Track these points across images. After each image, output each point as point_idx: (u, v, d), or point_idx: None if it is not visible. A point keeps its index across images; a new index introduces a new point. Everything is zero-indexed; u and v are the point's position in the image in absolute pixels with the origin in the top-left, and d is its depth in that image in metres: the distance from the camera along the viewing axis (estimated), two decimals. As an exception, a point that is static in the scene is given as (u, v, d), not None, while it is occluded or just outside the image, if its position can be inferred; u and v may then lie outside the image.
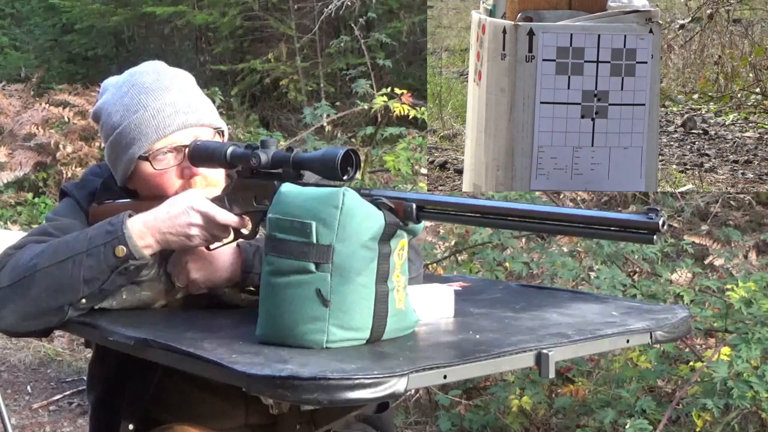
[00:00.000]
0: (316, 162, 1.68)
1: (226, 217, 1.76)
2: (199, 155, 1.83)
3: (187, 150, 1.85)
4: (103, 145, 1.99)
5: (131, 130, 1.89)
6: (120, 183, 1.96)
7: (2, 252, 1.85)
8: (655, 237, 1.41)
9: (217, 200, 1.80)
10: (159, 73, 1.95)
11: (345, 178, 1.64)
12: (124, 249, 1.72)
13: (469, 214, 1.59)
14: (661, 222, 1.40)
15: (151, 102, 1.89)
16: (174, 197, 1.80)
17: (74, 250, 1.74)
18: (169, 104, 1.89)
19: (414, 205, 1.58)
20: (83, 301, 1.74)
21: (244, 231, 1.79)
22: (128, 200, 1.94)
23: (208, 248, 1.81)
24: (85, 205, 1.95)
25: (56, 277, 1.73)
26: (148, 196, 1.92)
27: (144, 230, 1.74)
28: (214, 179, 1.91)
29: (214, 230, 1.77)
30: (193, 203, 1.76)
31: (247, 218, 1.79)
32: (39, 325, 1.78)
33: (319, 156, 1.67)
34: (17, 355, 4.99)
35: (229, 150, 1.78)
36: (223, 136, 1.98)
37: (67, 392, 4.48)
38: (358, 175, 1.69)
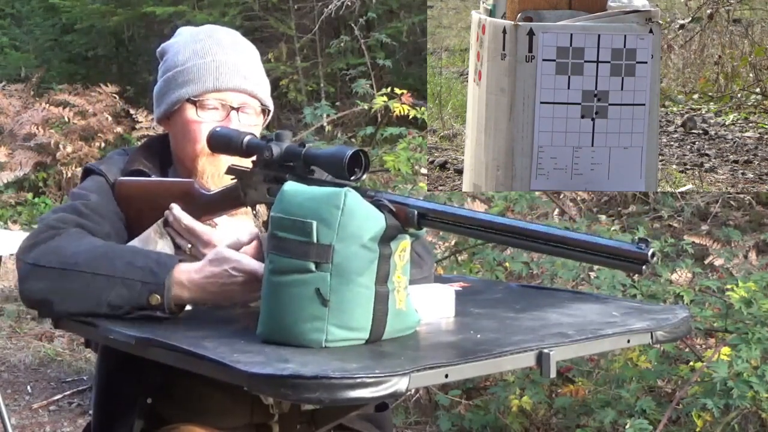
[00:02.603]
0: (325, 159, 1.69)
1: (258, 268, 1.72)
2: (218, 142, 1.86)
3: (233, 113, 1.91)
4: (157, 79, 2.06)
5: (192, 72, 1.97)
6: (157, 118, 2.04)
7: (42, 221, 1.86)
8: (644, 267, 1.43)
9: (233, 188, 1.83)
10: (236, 36, 2.05)
11: (352, 178, 1.65)
12: (159, 299, 1.71)
13: (469, 227, 1.60)
14: (650, 253, 1.42)
15: (220, 55, 1.98)
16: (224, 255, 1.75)
17: (114, 271, 1.73)
18: (233, 64, 1.98)
19: (416, 212, 1.59)
20: (99, 316, 1.74)
21: None
22: (157, 179, 1.97)
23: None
24: (113, 180, 1.97)
25: (86, 287, 1.73)
26: (177, 144, 2.00)
27: (187, 284, 1.73)
28: None
29: (254, 285, 1.73)
30: (235, 265, 1.73)
31: None
32: (56, 314, 1.78)
33: (329, 154, 1.69)
34: (17, 355, 4.99)
35: (246, 139, 1.82)
36: (267, 115, 2.06)
37: (67, 392, 4.49)
38: (366, 176, 1.69)
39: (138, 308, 1.72)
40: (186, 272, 1.74)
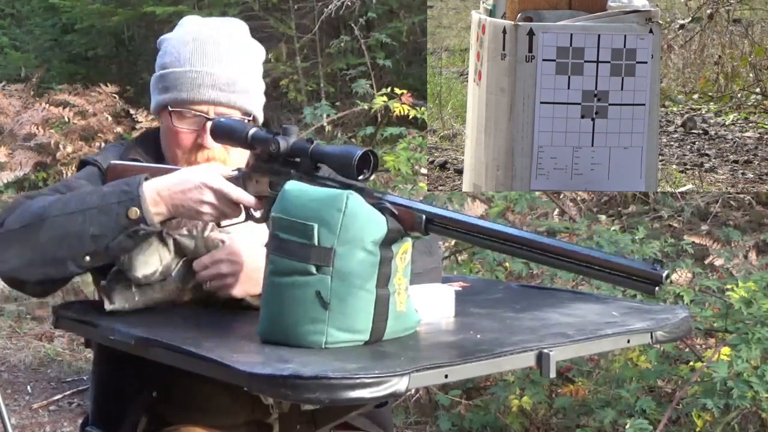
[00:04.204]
0: (333, 157, 1.68)
1: (239, 195, 1.77)
2: (221, 131, 1.85)
3: (209, 123, 1.89)
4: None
5: (171, 79, 1.96)
6: (152, 111, 2.04)
7: (14, 198, 1.86)
8: (657, 289, 1.43)
9: (233, 179, 1.81)
10: (224, 40, 1.99)
11: (360, 178, 1.64)
12: (138, 211, 1.72)
13: (477, 236, 1.58)
14: (664, 275, 1.43)
15: (198, 65, 1.95)
16: (190, 170, 1.81)
17: (86, 204, 1.75)
18: (210, 75, 1.95)
19: (424, 218, 1.58)
20: (87, 258, 1.74)
21: (256, 213, 1.80)
22: (148, 164, 1.96)
23: (218, 224, 1.83)
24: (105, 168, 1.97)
25: (65, 227, 1.73)
26: (163, 142, 2.00)
27: (157, 198, 1.75)
28: (221, 158, 1.94)
29: (225, 208, 1.78)
30: (206, 180, 1.77)
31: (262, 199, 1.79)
32: (39, 275, 1.77)
33: (338, 152, 1.67)
34: (17, 355, 4.99)
35: (251, 131, 1.80)
36: (254, 123, 2.02)
37: (67, 392, 4.48)
38: (373, 177, 1.69)
39: (121, 230, 1.72)
40: (155, 187, 1.75)
